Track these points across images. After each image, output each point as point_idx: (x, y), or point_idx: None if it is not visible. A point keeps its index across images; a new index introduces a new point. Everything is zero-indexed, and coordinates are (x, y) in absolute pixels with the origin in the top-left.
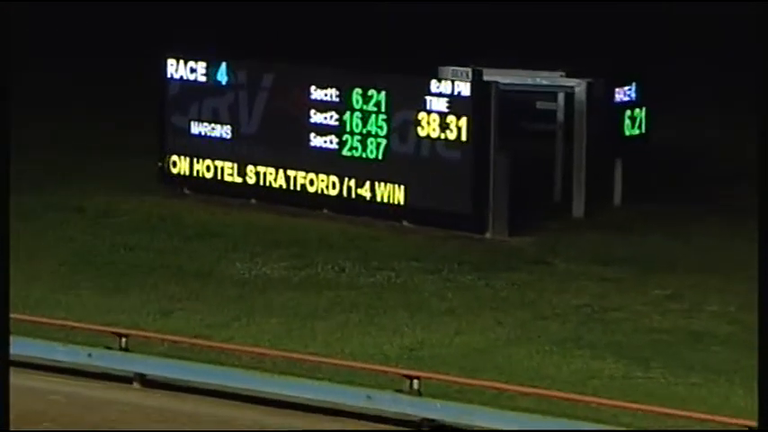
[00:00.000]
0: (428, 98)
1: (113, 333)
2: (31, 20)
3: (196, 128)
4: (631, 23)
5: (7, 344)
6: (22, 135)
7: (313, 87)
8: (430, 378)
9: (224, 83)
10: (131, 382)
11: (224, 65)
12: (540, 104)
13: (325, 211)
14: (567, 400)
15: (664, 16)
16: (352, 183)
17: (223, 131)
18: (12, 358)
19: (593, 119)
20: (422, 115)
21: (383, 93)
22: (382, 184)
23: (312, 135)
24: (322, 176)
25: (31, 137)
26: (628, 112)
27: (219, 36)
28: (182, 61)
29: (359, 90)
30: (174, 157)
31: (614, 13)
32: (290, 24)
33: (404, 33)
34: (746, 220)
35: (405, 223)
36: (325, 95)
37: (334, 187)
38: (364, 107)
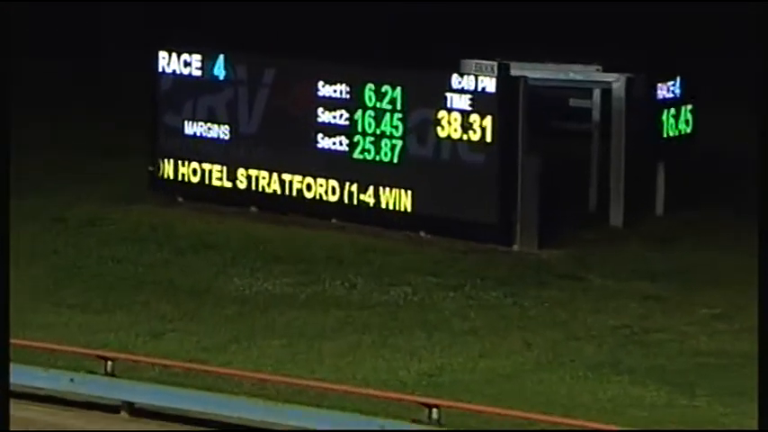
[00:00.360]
0: (449, 95)
1: (98, 356)
2: (31, 20)
3: (190, 128)
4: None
5: (7, 349)
6: (16, 136)
7: (321, 83)
8: (451, 407)
9: (221, 78)
10: (118, 411)
11: (221, 58)
12: (573, 102)
13: (333, 220)
14: (604, 431)
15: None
16: (364, 189)
17: (220, 132)
18: None
19: (632, 117)
20: (442, 114)
21: (398, 89)
22: (397, 190)
23: (319, 136)
24: (330, 182)
25: (21, 138)
26: (672, 110)
27: (220, 35)
28: (174, 54)
29: (371, 86)
30: (167, 161)
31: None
32: (292, 22)
33: (420, 26)
34: None
35: (422, 234)
36: (334, 92)
37: (343, 194)
38: (378, 105)
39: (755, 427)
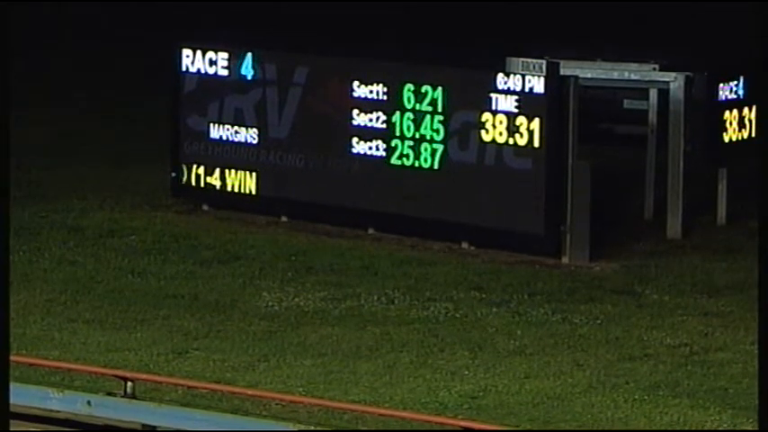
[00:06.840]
0: (494, 96)
1: (117, 377)
2: (44, 15)
3: (216, 131)
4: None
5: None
6: (19, 137)
7: (356, 83)
8: (495, 431)
9: (249, 78)
10: None
11: (249, 56)
12: (627, 103)
13: (369, 230)
14: None
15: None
16: (403, 196)
17: (248, 135)
18: None
19: (692, 120)
20: (486, 116)
21: (439, 89)
22: (438, 198)
23: (354, 140)
24: (366, 189)
25: (28, 140)
26: (734, 112)
27: (248, 32)
28: (199, 52)
29: (410, 86)
30: (191, 167)
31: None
32: (324, 17)
33: (463, 21)
34: None
35: (464, 245)
36: (371, 93)
37: (380, 202)
38: (417, 107)
39: None
